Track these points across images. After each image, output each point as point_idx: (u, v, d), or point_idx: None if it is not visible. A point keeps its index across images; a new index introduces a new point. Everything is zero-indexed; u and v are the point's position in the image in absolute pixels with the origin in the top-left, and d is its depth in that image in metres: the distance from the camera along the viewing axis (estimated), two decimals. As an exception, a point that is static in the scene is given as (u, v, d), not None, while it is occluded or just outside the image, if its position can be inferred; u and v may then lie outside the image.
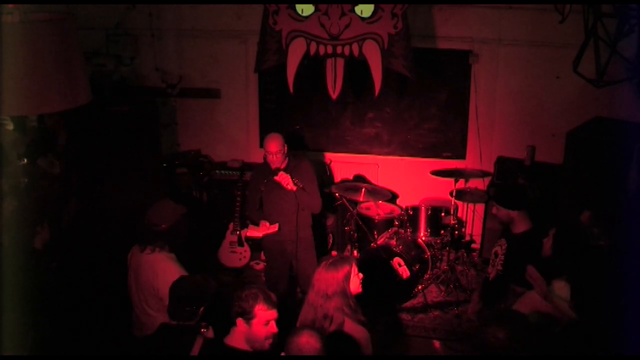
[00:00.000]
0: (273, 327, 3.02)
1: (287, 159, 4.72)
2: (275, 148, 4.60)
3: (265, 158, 4.78)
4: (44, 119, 5.20)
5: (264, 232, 4.78)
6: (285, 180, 4.59)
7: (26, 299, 3.44)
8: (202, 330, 3.19)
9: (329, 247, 6.28)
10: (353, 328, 3.25)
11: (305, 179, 4.71)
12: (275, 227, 4.77)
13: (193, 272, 3.61)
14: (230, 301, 3.06)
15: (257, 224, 4.86)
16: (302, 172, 4.74)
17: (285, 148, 4.68)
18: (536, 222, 4.18)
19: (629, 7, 4.77)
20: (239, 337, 3.03)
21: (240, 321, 3.00)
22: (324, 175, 6.42)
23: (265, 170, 4.75)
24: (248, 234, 4.84)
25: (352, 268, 3.36)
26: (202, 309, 3.20)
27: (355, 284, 3.37)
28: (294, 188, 4.61)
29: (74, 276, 4.46)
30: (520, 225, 4.17)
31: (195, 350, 3.08)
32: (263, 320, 2.98)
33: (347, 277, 3.32)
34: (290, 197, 4.69)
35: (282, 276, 5.00)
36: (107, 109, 5.86)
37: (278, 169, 4.63)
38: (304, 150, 6.31)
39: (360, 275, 3.42)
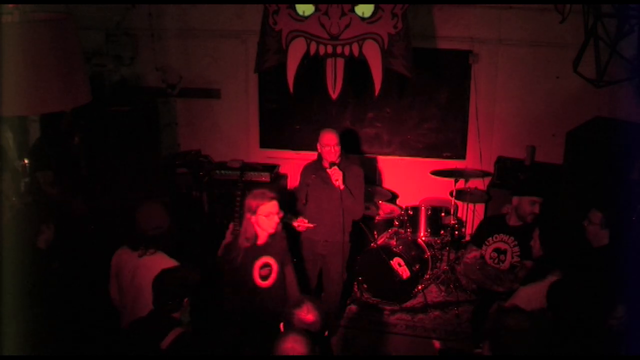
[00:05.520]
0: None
1: (340, 158, 4.59)
2: (335, 140, 4.52)
3: (319, 155, 4.67)
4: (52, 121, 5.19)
5: (305, 227, 4.62)
6: (336, 175, 4.46)
7: (27, 299, 3.44)
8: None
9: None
10: None
11: (353, 183, 4.57)
12: (313, 225, 4.64)
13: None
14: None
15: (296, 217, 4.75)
16: (352, 175, 4.60)
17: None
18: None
19: (629, 7, 4.77)
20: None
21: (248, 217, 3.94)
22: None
23: (316, 167, 4.67)
24: (294, 224, 4.64)
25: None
26: (186, 300, 3.22)
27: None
28: (342, 186, 4.48)
29: (75, 276, 4.45)
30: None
31: (167, 342, 3.08)
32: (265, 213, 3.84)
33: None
34: (335, 197, 4.55)
35: (311, 277, 4.86)
36: (107, 109, 5.86)
37: (334, 163, 4.52)
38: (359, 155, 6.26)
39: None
